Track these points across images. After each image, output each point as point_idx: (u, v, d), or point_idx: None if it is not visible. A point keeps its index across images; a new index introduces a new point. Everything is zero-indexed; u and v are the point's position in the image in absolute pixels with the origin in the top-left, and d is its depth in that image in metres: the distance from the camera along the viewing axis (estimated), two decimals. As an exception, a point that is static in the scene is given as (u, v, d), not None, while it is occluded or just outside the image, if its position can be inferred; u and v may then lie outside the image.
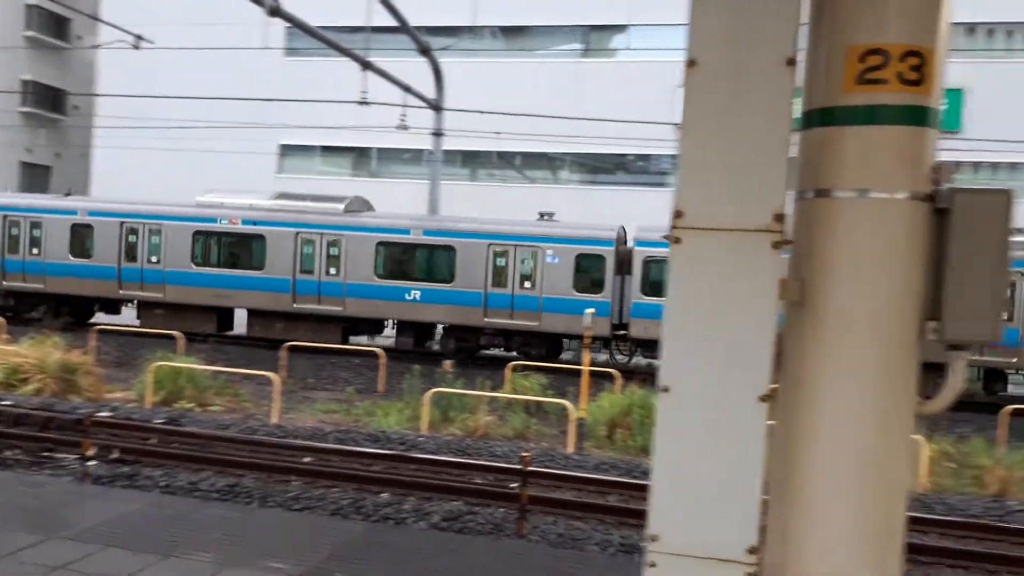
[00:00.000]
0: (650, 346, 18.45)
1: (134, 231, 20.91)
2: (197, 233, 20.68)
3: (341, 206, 20.42)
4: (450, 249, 19.28)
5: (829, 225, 2.35)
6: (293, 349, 16.22)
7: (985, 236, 2.25)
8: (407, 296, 19.25)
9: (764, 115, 2.31)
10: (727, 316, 2.29)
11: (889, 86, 2.29)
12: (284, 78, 28.53)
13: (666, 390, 2.33)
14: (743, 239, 2.29)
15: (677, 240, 2.36)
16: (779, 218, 2.29)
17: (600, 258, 18.82)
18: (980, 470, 11.22)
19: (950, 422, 14.32)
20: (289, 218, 20.14)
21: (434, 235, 19.52)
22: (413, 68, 21.82)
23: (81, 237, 21.17)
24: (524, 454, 7.80)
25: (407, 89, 20.57)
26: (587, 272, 18.90)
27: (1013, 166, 24.46)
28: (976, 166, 24.12)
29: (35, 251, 21.38)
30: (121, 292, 21.00)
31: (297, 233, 19.95)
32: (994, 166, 24.55)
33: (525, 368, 15.27)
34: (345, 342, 20.00)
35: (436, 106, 22.17)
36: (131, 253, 20.80)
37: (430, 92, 22.05)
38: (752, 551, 2.25)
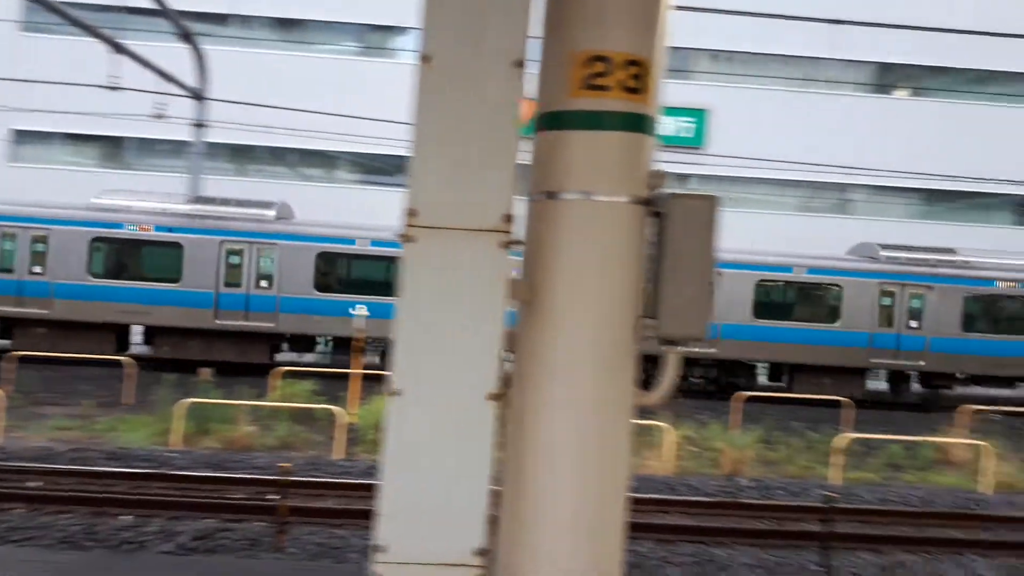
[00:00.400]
0: None
1: (10, 236, 17.68)
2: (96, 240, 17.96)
3: (272, 212, 18.69)
4: None
5: (556, 226, 2.40)
6: (24, 360, 14.40)
7: (695, 238, 2.40)
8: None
9: (494, 116, 2.31)
10: (457, 316, 2.26)
11: (612, 93, 2.37)
12: (20, 56, 25.32)
13: (397, 393, 2.25)
14: (473, 239, 2.27)
15: (410, 239, 2.29)
16: (508, 219, 2.29)
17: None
18: (717, 452, 12.42)
19: (693, 410, 15.74)
20: (213, 225, 18.03)
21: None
22: (178, 54, 20.29)
23: None
24: (283, 464, 7.43)
25: (164, 76, 19.03)
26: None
27: (749, 180, 27.41)
28: (719, 179, 26.75)
29: None
30: None
31: (222, 242, 17.91)
32: (732, 179, 27.39)
33: (294, 375, 14.69)
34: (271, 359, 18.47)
35: (198, 95, 20.74)
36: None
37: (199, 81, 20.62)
38: (480, 552, 2.23)
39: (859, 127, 26.59)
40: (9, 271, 17.77)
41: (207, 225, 18.18)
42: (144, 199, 18.89)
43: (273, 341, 19.00)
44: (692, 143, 26.56)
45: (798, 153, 24.35)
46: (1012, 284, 19.72)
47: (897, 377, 20.82)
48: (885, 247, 20.22)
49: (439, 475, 2.23)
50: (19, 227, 17.83)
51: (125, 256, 18.70)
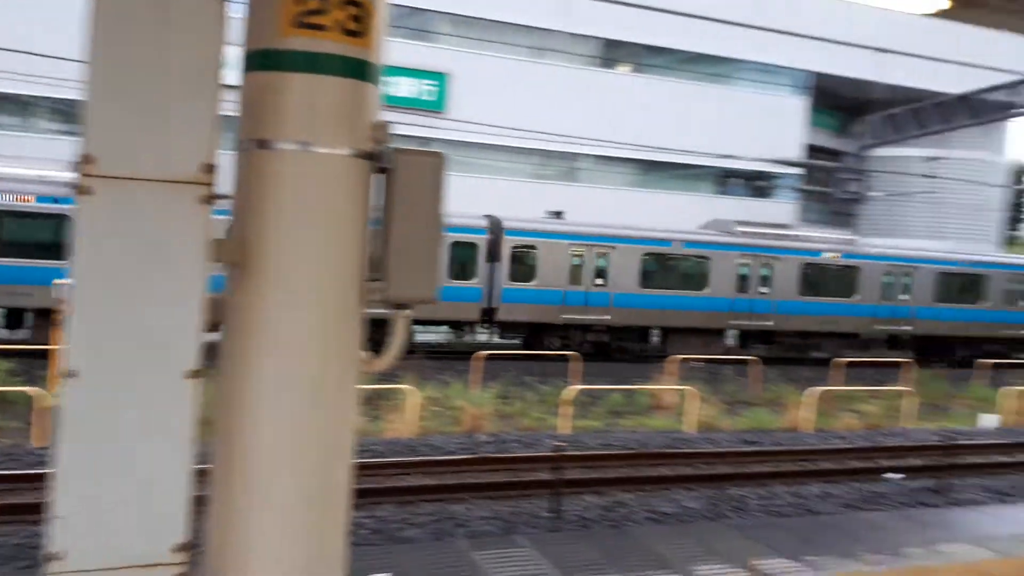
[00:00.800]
0: (517, 327, 20.83)
1: None
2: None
3: None
4: None
5: (270, 179, 2.15)
6: None
7: (422, 196, 2.28)
8: None
9: (191, 51, 1.99)
10: (148, 282, 1.95)
11: (329, 33, 2.15)
12: None
13: (73, 375, 1.89)
14: (166, 192, 1.96)
15: (87, 191, 1.92)
16: (208, 169, 2.00)
17: (473, 246, 19.23)
18: (458, 411, 12.75)
19: (436, 370, 16.01)
20: None
21: None
22: None
23: None
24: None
25: None
26: (460, 260, 19.06)
27: (488, 146, 28.17)
28: (459, 144, 27.17)
29: None
30: None
31: None
32: (472, 145, 27.98)
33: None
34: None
35: None
36: None
37: None
38: (182, 548, 1.97)
39: (586, 99, 28.34)
40: None
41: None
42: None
43: None
44: (434, 107, 26.69)
45: (532, 121, 25.44)
46: (835, 255, 23.63)
47: (746, 336, 23.64)
48: (740, 223, 23.01)
49: (127, 466, 1.92)
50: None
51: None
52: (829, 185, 30.92)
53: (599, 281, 20.46)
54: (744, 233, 22.60)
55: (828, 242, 24.03)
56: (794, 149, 30.64)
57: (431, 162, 2.31)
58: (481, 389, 14.00)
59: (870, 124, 30.90)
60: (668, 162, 28.68)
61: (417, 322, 20.29)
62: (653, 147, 25.74)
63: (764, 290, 22.16)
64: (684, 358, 17.55)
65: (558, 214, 22.21)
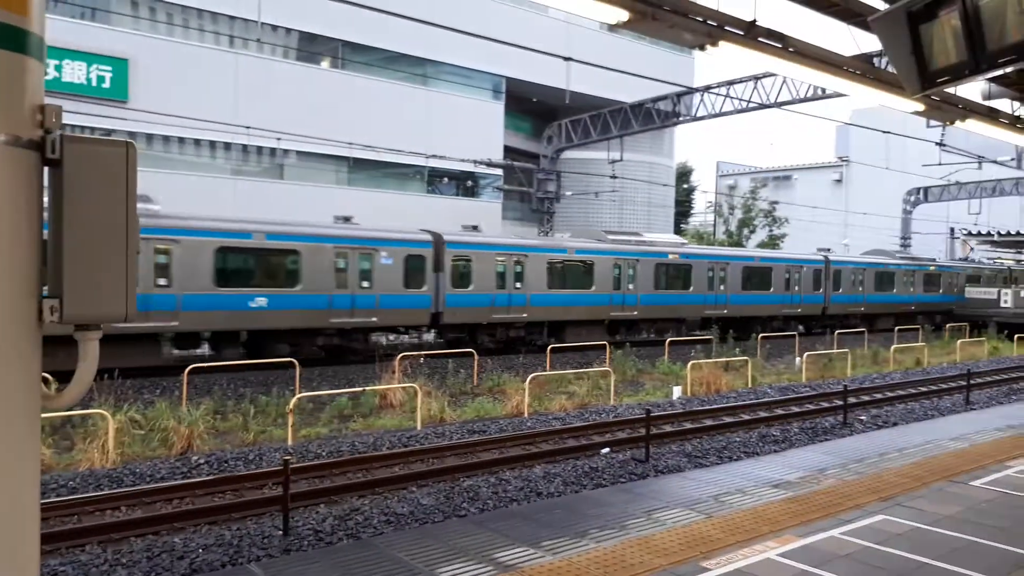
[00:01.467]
0: (460, 328, 22.67)
1: None
2: None
3: None
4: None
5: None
6: None
7: (104, 195, 1.86)
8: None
9: None
10: None
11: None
12: None
13: None
14: None
15: None
16: None
17: (422, 258, 21.27)
18: (166, 432, 11.48)
19: (136, 389, 14.34)
20: None
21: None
22: None
23: None
24: None
25: None
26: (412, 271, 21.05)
27: (178, 140, 25.89)
28: (147, 137, 24.65)
29: None
30: None
31: None
32: (163, 139, 25.55)
33: None
34: None
35: None
36: None
37: None
38: None
39: (290, 94, 27.28)
40: None
41: None
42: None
43: None
44: (113, 95, 23.90)
45: (231, 115, 23.89)
46: (675, 256, 27.39)
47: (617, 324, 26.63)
48: (609, 232, 25.71)
49: None
50: None
51: None
52: (529, 185, 32.97)
53: (518, 285, 22.78)
54: (614, 240, 26.31)
55: (670, 245, 28.28)
56: (496, 151, 32.20)
57: (113, 153, 1.90)
58: (194, 406, 12.76)
59: (560, 128, 33.45)
60: (378, 160, 28.60)
61: (377, 329, 21.29)
62: (361, 145, 25.46)
63: (631, 287, 25.80)
64: (404, 356, 17.59)
65: (475, 227, 24.39)
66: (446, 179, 32.61)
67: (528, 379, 14.85)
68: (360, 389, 14.00)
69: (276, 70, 27.49)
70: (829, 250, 35.50)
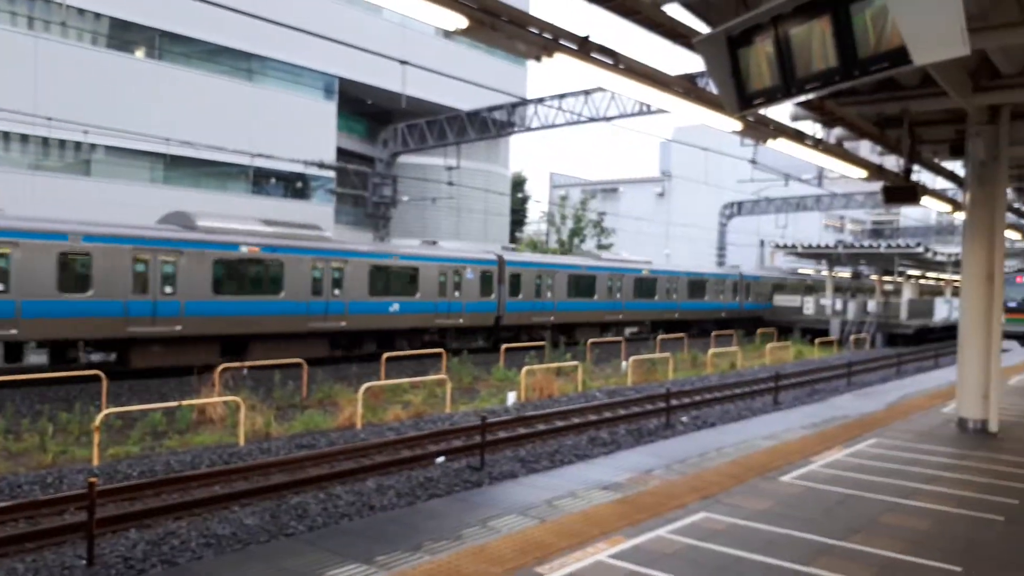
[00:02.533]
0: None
1: None
2: None
3: None
4: None
5: None
6: None
7: None
8: None
9: None
10: None
11: None
12: None
13: None
14: None
15: None
16: None
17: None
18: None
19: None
20: None
21: None
22: None
23: None
24: None
25: None
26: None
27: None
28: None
29: None
30: None
31: None
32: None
33: None
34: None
35: None
36: None
37: None
38: None
39: (99, 84, 25.15)
40: None
41: None
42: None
43: None
44: None
45: (28, 104, 21.69)
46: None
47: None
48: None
49: None
50: None
51: None
52: (363, 189, 32.32)
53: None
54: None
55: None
56: (328, 152, 31.31)
57: None
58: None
59: (396, 132, 33.08)
60: (198, 158, 26.93)
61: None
62: (179, 141, 23.87)
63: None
64: (227, 367, 16.64)
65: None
66: (274, 180, 31.24)
67: (362, 389, 14.45)
68: (175, 403, 13.01)
69: (83, 58, 25.23)
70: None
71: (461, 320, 26.25)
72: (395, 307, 23.93)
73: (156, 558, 7.62)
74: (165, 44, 27.41)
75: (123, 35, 26.90)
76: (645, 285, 35.05)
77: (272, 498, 9.66)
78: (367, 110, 37.12)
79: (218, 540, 8.17)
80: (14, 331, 16.27)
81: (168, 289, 18.52)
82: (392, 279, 24.09)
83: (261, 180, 30.94)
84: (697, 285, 38.75)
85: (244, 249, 20.13)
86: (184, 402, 13.38)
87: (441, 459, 11.68)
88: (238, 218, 21.58)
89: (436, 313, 25.33)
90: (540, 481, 8.75)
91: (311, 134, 30.83)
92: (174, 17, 26.27)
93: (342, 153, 33.83)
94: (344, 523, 8.70)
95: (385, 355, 19.67)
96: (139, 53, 27.60)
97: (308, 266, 21.66)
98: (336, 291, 22.32)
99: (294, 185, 31.82)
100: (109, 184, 25.90)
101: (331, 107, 32.76)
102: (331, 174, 31.87)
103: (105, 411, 11.86)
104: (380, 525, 7.31)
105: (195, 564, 7.24)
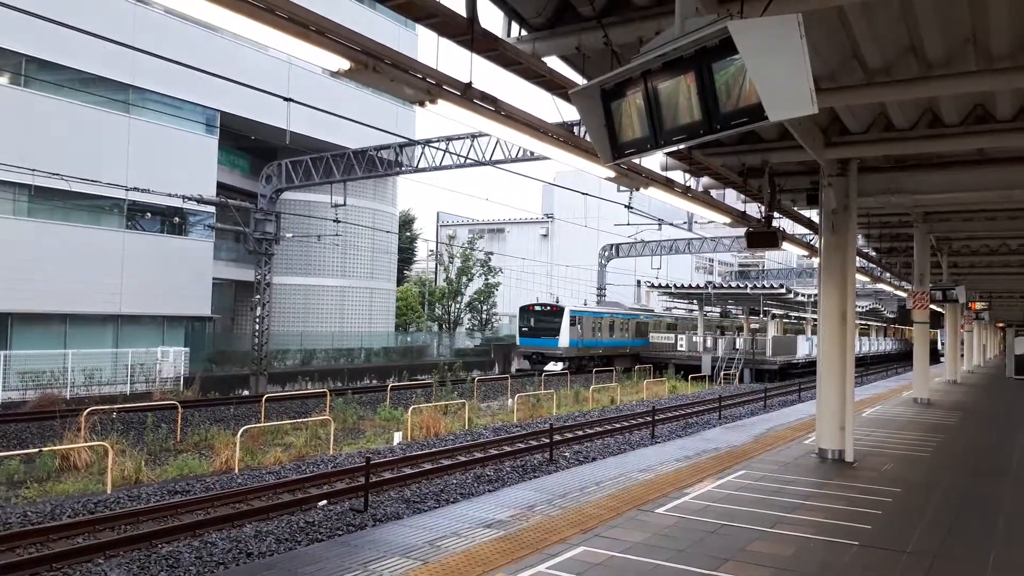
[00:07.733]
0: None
1: None
2: None
3: None
4: None
5: None
6: None
7: None
8: None
9: None
10: None
11: None
12: None
13: None
14: None
15: None
16: None
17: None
18: None
19: None
20: None
21: None
22: None
23: None
24: None
25: None
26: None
27: None
28: None
29: None
30: None
31: None
32: None
33: None
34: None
35: None
36: None
37: None
38: None
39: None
40: None
41: None
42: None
43: None
44: None
45: None
46: None
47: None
48: None
49: None
50: None
51: None
52: (245, 225, 31.46)
53: None
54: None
55: None
56: (209, 187, 30.37)
57: None
58: None
59: (280, 168, 32.48)
60: (65, 190, 25.52)
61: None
62: (46, 172, 22.62)
63: None
64: (96, 409, 15.73)
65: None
66: (149, 214, 29.96)
67: (240, 432, 13.98)
68: (35, 450, 12.18)
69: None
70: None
71: None
72: None
73: (9, 618, 7.11)
74: (32, 71, 26.01)
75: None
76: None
77: (142, 548, 9.18)
78: (251, 145, 36.30)
79: (80, 595, 7.70)
80: None
81: None
82: None
83: (136, 215, 29.60)
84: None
85: None
86: (45, 448, 12.55)
87: (323, 503, 11.43)
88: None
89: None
90: (425, 521, 8.72)
91: (190, 168, 29.86)
92: (44, 43, 25.02)
93: (224, 188, 32.86)
94: (220, 572, 8.38)
95: (265, 396, 19.10)
96: (3, 79, 26.07)
97: None
98: None
99: (171, 220, 30.61)
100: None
101: (212, 141, 31.86)
102: (211, 209, 30.88)
103: (-48, 460, 10.99)
104: (257, 572, 7.09)
105: (53, 622, 6.80)
